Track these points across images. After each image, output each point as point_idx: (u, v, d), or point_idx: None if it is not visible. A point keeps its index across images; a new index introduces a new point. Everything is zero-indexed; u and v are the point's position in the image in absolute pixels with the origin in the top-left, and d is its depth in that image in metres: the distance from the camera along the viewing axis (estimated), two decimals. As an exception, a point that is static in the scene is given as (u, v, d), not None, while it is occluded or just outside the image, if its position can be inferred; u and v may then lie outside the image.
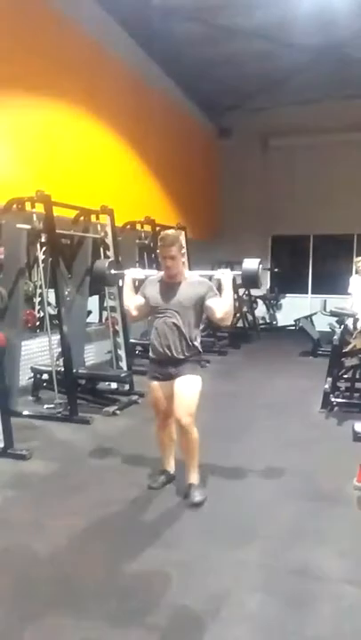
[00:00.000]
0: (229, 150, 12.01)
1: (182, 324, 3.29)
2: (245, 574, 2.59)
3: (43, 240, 5.31)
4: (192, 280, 3.37)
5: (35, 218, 5.02)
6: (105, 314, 7.31)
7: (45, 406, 5.29)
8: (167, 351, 3.32)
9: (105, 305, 7.04)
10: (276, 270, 11.91)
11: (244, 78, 9.84)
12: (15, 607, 2.32)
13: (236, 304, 9.40)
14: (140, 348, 7.12)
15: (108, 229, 6.14)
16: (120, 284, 3.95)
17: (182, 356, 3.31)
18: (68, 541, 2.85)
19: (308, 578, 2.57)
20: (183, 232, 3.30)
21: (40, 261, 5.64)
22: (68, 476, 3.76)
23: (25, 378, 5.68)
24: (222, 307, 3.26)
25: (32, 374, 5.72)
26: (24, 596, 2.39)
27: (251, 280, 3.45)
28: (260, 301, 11.64)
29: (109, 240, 6.16)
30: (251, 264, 3.39)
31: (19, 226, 4.95)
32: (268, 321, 11.91)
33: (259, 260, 3.42)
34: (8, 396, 4.47)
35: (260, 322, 11.64)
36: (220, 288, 3.32)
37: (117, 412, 5.32)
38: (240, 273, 3.40)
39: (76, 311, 5.88)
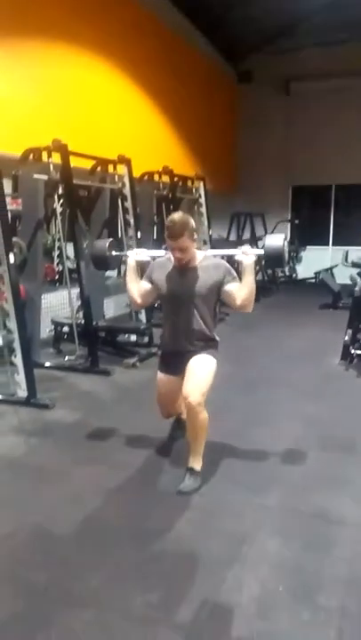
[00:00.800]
0: (249, 96, 11.61)
1: (197, 315, 2.93)
2: (265, 518, 2.65)
3: (60, 192, 5.25)
4: (207, 263, 2.94)
5: (52, 168, 4.94)
6: (123, 267, 7.30)
7: (66, 358, 5.36)
8: (180, 344, 2.98)
9: (124, 258, 7.02)
10: (296, 222, 11.68)
11: (266, 19, 9.40)
12: (41, 549, 2.41)
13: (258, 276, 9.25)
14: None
15: (126, 180, 6.03)
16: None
17: (196, 347, 2.97)
18: (92, 486, 2.93)
19: (326, 522, 2.62)
20: (190, 218, 2.85)
21: (58, 214, 5.59)
22: (90, 424, 3.84)
23: (46, 330, 5.76)
24: (242, 294, 2.84)
25: (53, 327, 5.78)
26: (50, 537, 2.48)
27: (275, 259, 3.06)
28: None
29: (127, 191, 6.07)
30: (275, 240, 3.00)
31: (36, 176, 4.89)
32: (287, 274, 11.78)
33: (283, 235, 3.08)
34: (30, 347, 4.53)
35: (280, 275, 11.53)
36: (239, 270, 2.91)
37: (137, 363, 5.38)
38: (262, 252, 2.98)
39: (95, 264, 5.86)
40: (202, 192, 8.33)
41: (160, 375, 3.13)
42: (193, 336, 2.94)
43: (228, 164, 11.48)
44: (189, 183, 8.28)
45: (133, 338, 6.05)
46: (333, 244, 11.65)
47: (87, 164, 5.78)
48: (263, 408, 4.22)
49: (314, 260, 11.09)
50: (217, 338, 3.05)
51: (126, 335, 6.13)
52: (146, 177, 7.13)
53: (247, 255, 2.86)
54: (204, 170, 8.95)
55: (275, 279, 10.94)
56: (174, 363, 3.01)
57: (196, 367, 2.91)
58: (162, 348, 3.21)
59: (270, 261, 3.17)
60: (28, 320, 4.55)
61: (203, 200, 8.34)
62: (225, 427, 3.67)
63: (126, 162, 6.02)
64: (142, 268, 3.17)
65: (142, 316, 6.25)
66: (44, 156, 4.93)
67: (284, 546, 2.42)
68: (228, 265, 2.96)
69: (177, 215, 2.86)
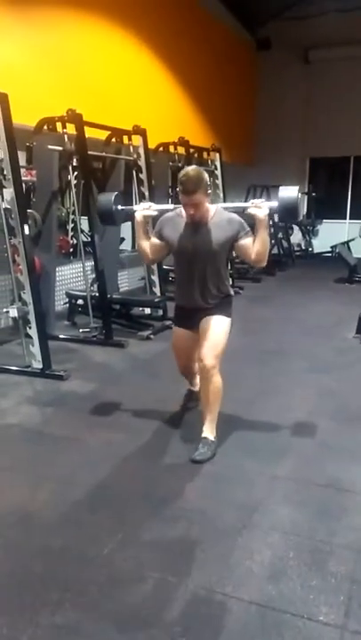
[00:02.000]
0: (268, 64, 11.32)
1: (211, 271, 2.89)
2: (278, 487, 2.68)
3: (74, 164, 5.22)
4: (220, 218, 2.86)
5: (66, 139, 4.89)
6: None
7: (81, 330, 5.40)
8: (194, 300, 2.96)
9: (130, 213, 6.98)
10: (313, 195, 11.48)
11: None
12: (56, 513, 2.46)
13: (271, 230, 9.16)
14: (173, 274, 7.10)
15: (141, 151, 5.96)
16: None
17: (212, 302, 2.96)
18: (107, 454, 2.97)
19: (338, 491, 2.64)
20: (204, 172, 2.76)
21: (72, 186, 5.57)
22: (104, 395, 3.89)
23: (60, 303, 5.79)
24: (257, 248, 2.79)
25: (67, 299, 5.81)
26: (64, 502, 2.54)
27: (289, 211, 2.94)
28: (295, 228, 11.33)
29: (142, 162, 6.00)
30: (289, 192, 2.88)
31: (50, 147, 4.86)
32: (303, 247, 11.65)
33: (297, 187, 2.95)
34: (45, 319, 4.56)
35: (296, 249, 11.40)
36: (253, 224, 2.82)
37: (151, 336, 5.40)
38: (276, 204, 2.86)
39: (109, 237, 5.85)
40: (218, 164, 8.21)
41: (175, 328, 3.18)
42: (207, 292, 2.93)
43: (245, 134, 11.27)
44: (205, 155, 8.16)
45: (147, 311, 6.06)
46: (351, 218, 11.46)
47: (102, 135, 5.73)
48: (277, 379, 4.23)
49: (330, 234, 10.94)
50: (231, 292, 3.05)
51: (140, 308, 6.14)
52: (161, 148, 7.04)
53: (260, 208, 2.76)
54: (220, 141, 8.80)
55: (291, 253, 10.82)
56: (189, 317, 3.02)
57: (209, 329, 2.91)
58: (176, 303, 3.16)
59: (284, 213, 3.01)
60: (42, 292, 4.58)
61: (219, 172, 8.22)
62: (239, 397, 3.69)
63: (142, 132, 5.94)
64: (153, 223, 3.13)
65: (157, 290, 6.24)
66: (59, 126, 4.88)
67: (295, 514, 2.44)
68: (241, 219, 2.88)
69: (191, 169, 2.75)
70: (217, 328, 2.92)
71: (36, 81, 5.32)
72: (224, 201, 8.28)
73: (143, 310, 6.12)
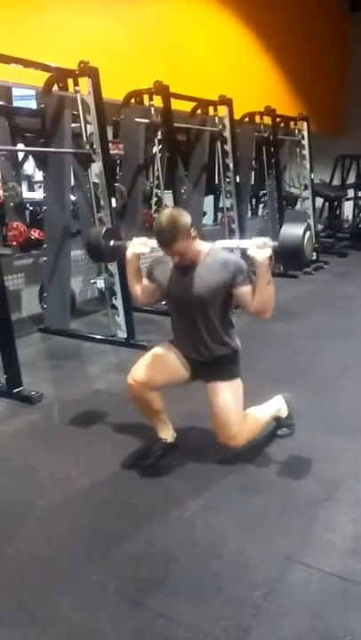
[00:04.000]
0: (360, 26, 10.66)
1: (203, 323, 2.43)
2: (361, 465, 2.63)
3: (159, 137, 5.24)
4: (214, 260, 2.37)
5: (153, 111, 4.92)
6: (220, 215, 7.22)
7: (163, 302, 5.47)
8: (190, 353, 2.54)
9: (220, 205, 6.93)
10: None
11: None
12: (139, 476, 2.57)
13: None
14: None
15: (227, 121, 5.89)
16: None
17: (209, 360, 2.50)
18: (189, 421, 3.02)
19: None
20: (181, 214, 2.30)
21: (157, 160, 5.60)
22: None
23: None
24: (258, 296, 2.29)
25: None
26: (149, 466, 2.63)
27: (291, 255, 2.29)
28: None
29: (227, 133, 5.92)
30: (292, 230, 2.27)
31: (137, 120, 4.91)
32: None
33: (305, 224, 2.32)
34: (129, 292, 4.67)
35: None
36: (254, 265, 2.29)
37: (234, 310, 5.38)
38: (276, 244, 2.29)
39: (192, 211, 5.84)
40: (305, 133, 7.93)
41: (167, 343, 2.64)
42: (202, 347, 2.48)
43: (335, 102, 10.75)
44: (292, 124, 7.91)
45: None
46: None
47: (187, 107, 5.70)
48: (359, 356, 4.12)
49: None
50: (237, 346, 2.55)
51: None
52: (246, 118, 6.90)
53: (262, 249, 2.26)
54: (308, 109, 8.47)
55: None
56: (186, 354, 2.56)
57: (224, 404, 2.48)
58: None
59: (284, 257, 2.37)
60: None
61: (306, 142, 7.94)
62: (321, 373, 3.63)
63: (228, 103, 5.85)
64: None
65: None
66: (146, 99, 4.92)
67: (380, 492, 2.40)
68: (239, 261, 2.37)
69: (164, 217, 2.31)
70: (227, 402, 2.48)
71: (124, 54, 5.35)
72: (311, 172, 8.01)
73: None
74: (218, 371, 2.51)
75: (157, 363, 2.54)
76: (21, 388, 3.38)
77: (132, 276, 2.63)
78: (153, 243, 2.49)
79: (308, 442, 2.84)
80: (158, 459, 2.63)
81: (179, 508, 2.29)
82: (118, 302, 4.37)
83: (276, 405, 2.83)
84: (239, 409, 2.52)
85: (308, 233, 2.27)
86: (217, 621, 1.73)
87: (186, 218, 2.30)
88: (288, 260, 2.40)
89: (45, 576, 1.94)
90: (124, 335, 4.39)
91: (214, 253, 2.41)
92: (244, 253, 2.36)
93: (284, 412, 2.86)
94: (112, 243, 2.76)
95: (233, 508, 2.30)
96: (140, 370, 2.52)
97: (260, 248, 2.26)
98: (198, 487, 2.45)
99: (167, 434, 2.70)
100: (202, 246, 2.42)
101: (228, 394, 2.48)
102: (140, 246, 2.57)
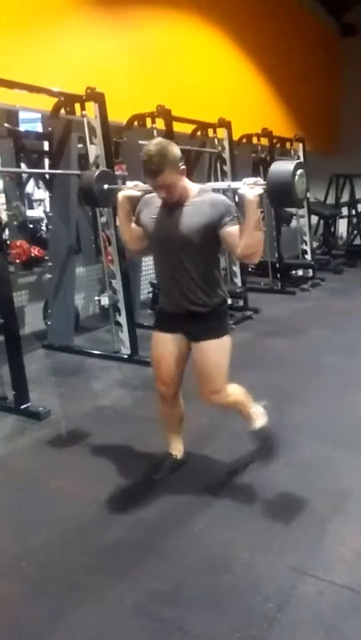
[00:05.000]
0: (353, 50, 10.93)
1: (191, 264, 2.30)
2: (367, 479, 2.69)
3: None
4: (202, 199, 2.27)
5: (155, 134, 5.03)
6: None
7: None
8: (175, 301, 2.39)
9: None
10: None
11: None
12: (148, 488, 2.61)
13: (262, 216, 8.84)
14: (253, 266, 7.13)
15: (226, 143, 6.03)
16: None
17: (199, 308, 2.36)
18: (195, 436, 3.04)
19: None
20: (171, 144, 2.19)
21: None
22: (190, 380, 4.00)
23: (144, 292, 6.00)
24: (245, 239, 2.16)
25: (150, 289, 6.00)
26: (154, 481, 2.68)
27: (281, 193, 2.13)
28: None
29: (226, 154, 6.06)
30: (281, 166, 2.14)
31: (141, 142, 5.01)
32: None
33: (296, 161, 2.16)
34: (133, 308, 4.75)
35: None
36: (243, 207, 2.17)
37: (233, 326, 5.47)
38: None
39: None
40: (301, 154, 8.10)
41: (154, 333, 2.55)
42: (189, 292, 2.34)
43: (329, 122, 10.99)
44: (288, 145, 8.08)
45: (228, 301, 6.13)
46: None
47: (187, 129, 5.83)
48: (358, 372, 4.19)
49: None
50: (226, 297, 2.46)
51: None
52: (244, 140, 7.05)
53: (250, 188, 2.15)
54: (304, 130, 8.66)
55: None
56: (172, 320, 2.46)
57: (206, 363, 2.42)
58: (159, 305, 2.60)
59: (274, 196, 2.18)
60: (131, 282, 4.77)
61: (182, 165, 8.07)
62: (322, 388, 3.70)
63: (227, 125, 6.00)
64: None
65: (237, 280, 6.30)
66: (148, 122, 5.04)
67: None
68: (228, 201, 2.28)
69: (153, 144, 2.16)
70: (214, 361, 2.43)
71: (127, 79, 5.49)
72: (306, 191, 8.15)
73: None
74: (205, 328, 2.39)
75: (165, 359, 2.52)
76: (29, 404, 3.42)
77: (122, 222, 2.49)
78: (145, 186, 2.39)
79: (312, 455, 2.90)
80: (168, 474, 2.67)
81: (188, 522, 2.34)
82: (122, 319, 4.44)
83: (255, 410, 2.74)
84: (225, 366, 2.45)
85: (299, 170, 2.14)
86: (233, 633, 1.77)
87: (176, 149, 2.19)
88: (279, 197, 2.19)
89: (61, 591, 1.98)
90: (128, 351, 4.45)
91: (203, 194, 2.29)
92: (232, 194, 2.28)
93: (261, 421, 2.76)
94: (105, 186, 2.64)
95: (241, 523, 2.35)
96: (159, 374, 2.57)
97: (250, 187, 2.15)
98: (207, 502, 2.49)
99: (178, 450, 2.75)
100: (191, 186, 2.31)
101: (216, 352, 2.41)
102: (132, 190, 2.43)
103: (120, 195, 2.44)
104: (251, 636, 1.76)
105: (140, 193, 2.43)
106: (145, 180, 2.28)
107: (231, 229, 2.20)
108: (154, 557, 2.13)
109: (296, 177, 2.11)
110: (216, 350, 2.41)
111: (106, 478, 2.70)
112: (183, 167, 2.21)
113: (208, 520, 2.36)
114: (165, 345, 2.50)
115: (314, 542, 2.20)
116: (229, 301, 2.44)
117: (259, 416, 2.75)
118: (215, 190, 2.40)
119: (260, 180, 2.17)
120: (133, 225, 2.47)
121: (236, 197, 2.42)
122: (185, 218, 2.26)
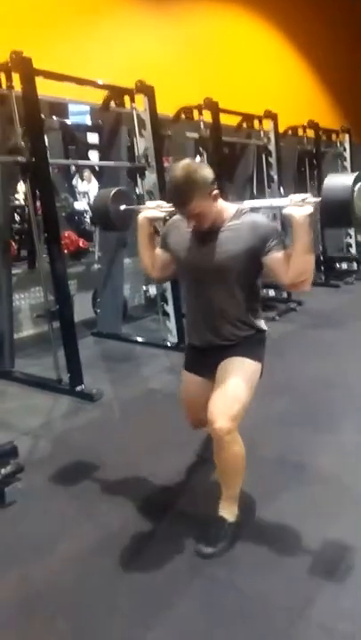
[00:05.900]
0: None
1: (224, 296, 2.02)
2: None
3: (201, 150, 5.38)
4: (240, 222, 1.96)
5: (202, 126, 5.12)
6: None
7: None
8: (206, 337, 2.11)
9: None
10: None
11: None
12: (180, 471, 2.71)
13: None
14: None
15: (272, 135, 6.05)
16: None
17: (230, 343, 2.07)
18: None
19: None
20: (200, 166, 1.88)
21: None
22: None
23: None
24: (294, 265, 1.86)
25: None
26: (194, 463, 2.76)
27: (337, 213, 1.78)
28: None
29: (272, 146, 6.09)
30: (338, 181, 1.78)
31: (188, 134, 5.12)
32: None
33: (355, 174, 1.77)
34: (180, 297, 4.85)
35: None
36: (287, 228, 1.92)
37: (277, 317, 5.52)
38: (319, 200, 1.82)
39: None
40: (347, 145, 8.02)
41: (184, 373, 2.29)
42: (222, 326, 2.06)
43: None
44: (334, 136, 8.02)
45: (272, 292, 6.18)
46: None
47: (233, 121, 5.89)
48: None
49: None
50: (262, 326, 2.14)
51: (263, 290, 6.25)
52: (290, 132, 7.05)
53: (299, 209, 1.82)
54: (350, 121, 8.57)
55: None
56: (202, 358, 2.16)
57: (227, 378, 2.01)
58: (188, 339, 2.27)
59: (330, 216, 1.83)
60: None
61: (347, 154, 8.04)
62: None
63: (273, 117, 6.03)
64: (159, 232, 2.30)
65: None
66: (195, 114, 5.13)
67: None
68: (271, 224, 2.00)
69: (180, 169, 1.87)
70: (238, 377, 2.01)
71: (175, 72, 5.60)
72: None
73: (267, 292, 6.24)
74: (237, 349, 2.06)
75: (192, 404, 2.29)
76: (82, 386, 3.58)
77: (142, 246, 2.19)
78: (169, 207, 2.12)
79: (353, 439, 2.93)
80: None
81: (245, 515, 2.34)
82: (169, 308, 4.55)
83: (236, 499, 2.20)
84: (245, 391, 2.00)
85: (359, 184, 1.76)
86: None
87: (206, 172, 1.89)
88: (334, 216, 1.84)
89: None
90: (175, 340, 4.57)
91: (241, 215, 1.99)
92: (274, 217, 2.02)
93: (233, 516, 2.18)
94: (122, 207, 2.39)
95: (295, 508, 2.39)
96: (186, 413, 2.38)
97: (298, 205, 1.83)
98: (253, 484, 2.51)
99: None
100: (227, 207, 2.02)
101: (239, 367, 2.03)
102: (154, 210, 2.16)
103: (141, 216, 2.18)
104: None
105: (163, 214, 2.17)
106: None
107: (276, 256, 1.91)
108: (195, 524, 2.18)
109: (355, 192, 1.75)
110: (242, 366, 2.04)
111: (160, 452, 2.82)
112: (216, 192, 1.91)
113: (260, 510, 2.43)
114: (192, 387, 2.25)
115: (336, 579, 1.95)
116: (267, 329, 2.16)
117: (235, 509, 2.18)
118: (255, 210, 2.05)
119: (309, 197, 1.84)
120: (158, 250, 2.18)
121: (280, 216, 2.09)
122: (221, 245, 1.97)
